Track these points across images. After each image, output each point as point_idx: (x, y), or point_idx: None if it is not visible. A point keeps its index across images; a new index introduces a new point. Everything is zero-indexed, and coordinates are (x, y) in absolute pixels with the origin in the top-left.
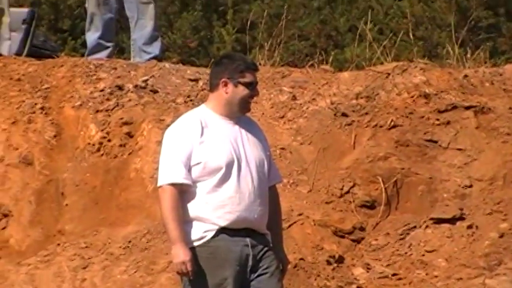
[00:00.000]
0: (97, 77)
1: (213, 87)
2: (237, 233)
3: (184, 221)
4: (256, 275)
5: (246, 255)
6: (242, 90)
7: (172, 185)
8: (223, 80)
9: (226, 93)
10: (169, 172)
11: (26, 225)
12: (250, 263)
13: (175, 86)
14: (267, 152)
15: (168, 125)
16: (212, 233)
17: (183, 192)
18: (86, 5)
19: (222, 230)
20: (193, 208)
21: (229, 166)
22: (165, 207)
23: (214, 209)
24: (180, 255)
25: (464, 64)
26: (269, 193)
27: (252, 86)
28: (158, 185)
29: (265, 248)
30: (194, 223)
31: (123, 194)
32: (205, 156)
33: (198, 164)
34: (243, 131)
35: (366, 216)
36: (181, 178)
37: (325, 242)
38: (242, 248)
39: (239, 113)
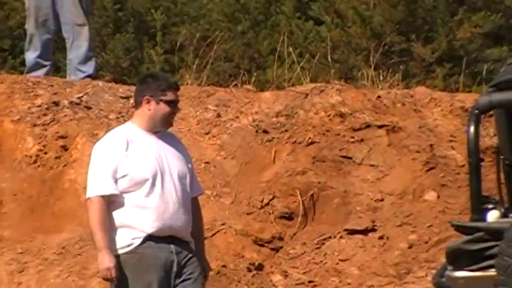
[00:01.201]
0: (35, 93)
1: (137, 104)
2: (162, 240)
3: (112, 229)
4: (180, 280)
5: (170, 262)
6: (164, 108)
7: (101, 196)
8: (146, 97)
9: (149, 110)
10: (98, 184)
11: None
12: (174, 268)
13: (108, 103)
14: (189, 165)
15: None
16: (140, 240)
17: (111, 203)
18: (26, 27)
19: (148, 238)
20: (121, 217)
21: (153, 178)
22: (92, 217)
23: (141, 218)
24: (105, 262)
25: (377, 86)
26: (192, 204)
27: (173, 103)
28: (87, 196)
29: (189, 255)
30: (122, 230)
31: (58, 203)
32: (130, 169)
33: (124, 176)
34: (166, 145)
35: (284, 227)
36: (108, 190)
37: (246, 250)
38: (167, 254)
39: (162, 128)
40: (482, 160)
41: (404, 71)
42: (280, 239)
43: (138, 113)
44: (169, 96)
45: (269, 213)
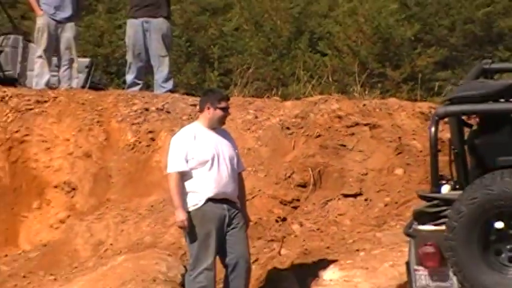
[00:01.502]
0: (132, 102)
1: (201, 109)
2: (218, 201)
3: (184, 194)
4: (230, 228)
5: (224, 216)
6: (219, 112)
7: (177, 172)
8: (207, 105)
9: (209, 114)
10: (174, 163)
11: (87, 195)
12: (227, 220)
13: (182, 109)
14: (236, 151)
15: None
16: (203, 202)
17: (183, 176)
18: (126, 57)
19: (208, 199)
20: (191, 185)
21: (212, 159)
22: (172, 186)
23: (204, 186)
24: (180, 216)
25: (363, 97)
26: (238, 177)
27: (225, 109)
28: (167, 171)
29: (236, 211)
30: (191, 195)
31: (148, 176)
32: (196, 153)
33: (193, 158)
34: (220, 137)
35: (300, 192)
36: (182, 167)
37: (275, 208)
38: (222, 211)
39: (217, 126)
40: (439, 151)
41: (381, 88)
42: (298, 200)
43: (201, 115)
44: (223, 104)
45: (290, 183)
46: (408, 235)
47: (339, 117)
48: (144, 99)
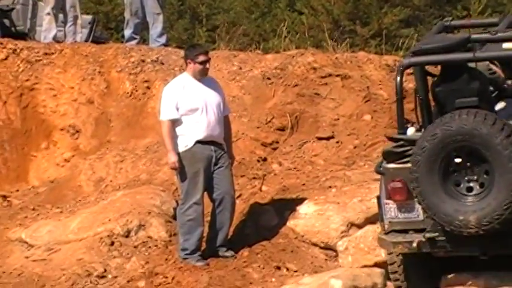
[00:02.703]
0: (130, 54)
1: (186, 63)
2: (206, 143)
3: (176, 137)
4: (217, 167)
5: (211, 156)
6: (199, 66)
7: (168, 119)
8: (188, 60)
9: (191, 68)
10: (166, 112)
11: (89, 137)
12: (213, 160)
13: (174, 61)
14: (222, 96)
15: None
16: (192, 143)
17: (175, 122)
18: (125, 14)
19: (197, 142)
20: (181, 130)
21: (201, 105)
22: (164, 132)
23: (193, 129)
24: (172, 158)
25: (335, 51)
26: (224, 120)
27: (204, 62)
28: (160, 118)
29: (222, 152)
30: (181, 137)
31: (144, 121)
32: (186, 102)
33: (182, 106)
34: (206, 87)
35: (279, 135)
36: (174, 115)
37: (257, 149)
38: (209, 151)
39: (201, 77)
40: (404, 98)
41: (352, 43)
42: (277, 142)
43: (187, 68)
44: (201, 58)
45: (270, 127)
46: (378, 173)
47: (314, 68)
48: (140, 52)
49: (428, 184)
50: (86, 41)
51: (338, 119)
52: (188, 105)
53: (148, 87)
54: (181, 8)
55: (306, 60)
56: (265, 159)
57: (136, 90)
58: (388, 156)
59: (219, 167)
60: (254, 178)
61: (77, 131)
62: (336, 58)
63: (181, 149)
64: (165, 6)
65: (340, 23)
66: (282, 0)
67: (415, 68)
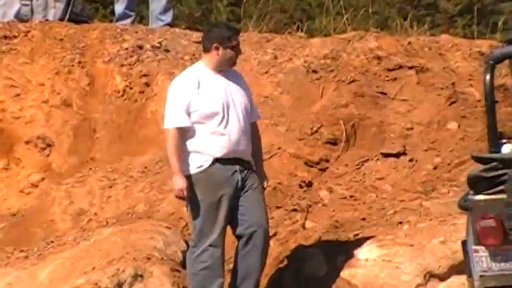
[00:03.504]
0: (123, 38)
1: (206, 49)
2: (228, 161)
3: (185, 154)
4: (244, 191)
5: (235, 179)
6: (230, 52)
7: (176, 128)
8: (215, 45)
9: (218, 55)
10: (174, 118)
11: (65, 154)
12: (239, 184)
13: (183, 47)
14: (249, 97)
15: None
16: (209, 162)
17: (185, 132)
18: None
19: (216, 160)
20: (194, 144)
21: (222, 111)
22: (169, 145)
23: (210, 144)
24: (179, 183)
25: (408, 33)
26: (251, 128)
27: (236, 48)
28: (165, 127)
29: (250, 171)
30: (194, 155)
31: (141, 130)
32: (201, 105)
33: (196, 111)
34: (230, 82)
35: (330, 151)
36: (183, 123)
37: (298, 170)
38: (232, 173)
39: (227, 67)
40: (497, 102)
41: (431, 22)
42: (327, 160)
43: (207, 56)
44: (234, 42)
45: (317, 139)
46: (462, 208)
47: (378, 58)
48: (136, 35)
49: None
50: (62, 19)
51: (412, 129)
52: (205, 108)
53: (147, 84)
54: None
55: (366, 46)
56: (310, 184)
57: (131, 88)
58: (476, 183)
59: (246, 191)
60: (295, 210)
61: (49, 145)
62: (409, 43)
63: (193, 169)
64: None
65: None
66: None
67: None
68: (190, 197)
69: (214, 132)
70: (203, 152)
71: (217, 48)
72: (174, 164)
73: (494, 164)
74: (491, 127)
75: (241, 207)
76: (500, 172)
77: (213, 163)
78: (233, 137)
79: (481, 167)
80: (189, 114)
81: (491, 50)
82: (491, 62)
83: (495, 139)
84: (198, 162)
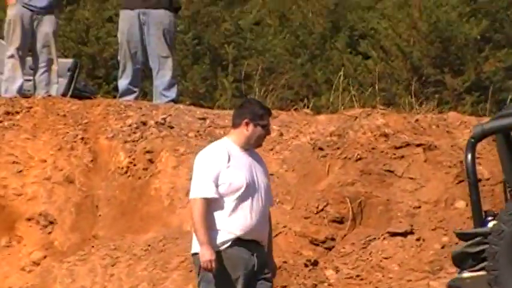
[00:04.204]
0: (126, 114)
1: (235, 124)
2: (246, 243)
3: (210, 229)
4: (259, 277)
5: (252, 263)
6: (260, 130)
7: (204, 198)
8: (245, 120)
9: (247, 131)
10: (202, 188)
11: (67, 231)
12: (255, 269)
13: (188, 123)
14: (268, 181)
15: (182, 154)
16: (229, 243)
17: (210, 203)
18: (119, 58)
19: (236, 241)
20: (215, 219)
21: (247, 187)
22: (196, 215)
23: (232, 221)
24: (207, 255)
25: (416, 111)
26: None
27: (267, 127)
28: (191, 197)
29: (265, 257)
30: (214, 232)
31: (145, 207)
32: (231, 178)
33: (224, 183)
34: (254, 161)
35: (336, 229)
36: (211, 193)
37: (304, 249)
38: (249, 257)
39: (253, 146)
40: (480, 180)
41: (439, 99)
42: (333, 239)
43: (236, 132)
44: (265, 121)
45: (323, 217)
46: None
47: (386, 135)
48: (140, 111)
49: None
50: (65, 95)
51: (419, 207)
52: (234, 182)
53: (151, 161)
54: (197, 48)
55: (373, 123)
56: (315, 263)
57: (135, 165)
58: (461, 260)
59: (261, 279)
60: None
61: (51, 222)
62: (417, 121)
63: (215, 247)
64: (176, 46)
65: (422, 71)
66: (340, 38)
67: (498, 137)
68: (204, 276)
69: (238, 209)
70: (224, 229)
71: (247, 124)
72: (202, 236)
73: (478, 239)
74: (476, 204)
75: None
76: (484, 247)
77: (232, 244)
78: (255, 218)
79: (465, 243)
80: (217, 186)
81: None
82: (472, 140)
83: (480, 216)
84: (217, 241)
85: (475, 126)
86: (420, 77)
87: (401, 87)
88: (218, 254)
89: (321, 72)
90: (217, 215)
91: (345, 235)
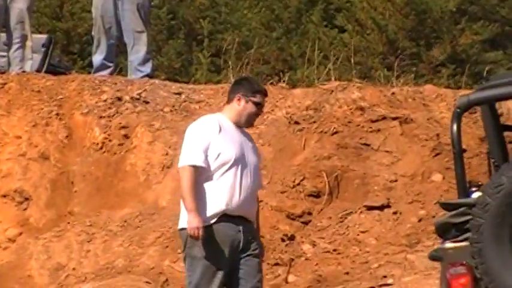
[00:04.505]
0: (101, 90)
1: (229, 100)
2: (233, 219)
3: (198, 200)
4: (245, 254)
5: (238, 240)
6: (251, 107)
7: (192, 166)
8: (238, 95)
9: (239, 105)
10: (191, 156)
11: (43, 207)
12: (240, 246)
13: (163, 98)
14: (259, 164)
15: (157, 129)
16: (215, 219)
17: (199, 174)
18: (93, 33)
19: (222, 216)
20: (205, 191)
21: (237, 161)
22: (185, 183)
23: (220, 196)
24: (194, 222)
25: (392, 84)
26: None
27: (259, 105)
28: (180, 165)
29: (252, 235)
30: (201, 205)
31: (121, 183)
32: (220, 149)
33: (213, 154)
34: (246, 139)
35: (312, 204)
36: (200, 161)
37: (280, 223)
38: (235, 233)
39: (244, 125)
40: (464, 151)
41: (415, 72)
42: (309, 214)
43: (228, 107)
44: (258, 98)
45: (300, 191)
46: (434, 258)
47: (362, 109)
48: (115, 86)
49: (497, 256)
50: (39, 70)
51: (396, 181)
52: (224, 154)
53: (126, 136)
54: (172, 23)
55: (349, 96)
56: (292, 238)
57: (110, 141)
58: (444, 231)
59: (247, 255)
60: (277, 264)
61: (26, 199)
62: (393, 94)
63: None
64: (150, 21)
65: (397, 44)
66: (315, 12)
67: (483, 109)
68: (190, 251)
69: (226, 182)
70: (212, 202)
71: (239, 99)
72: (190, 203)
73: (462, 209)
74: (460, 175)
75: (241, 270)
76: (468, 218)
77: (218, 220)
78: (243, 194)
79: (448, 213)
80: (206, 157)
81: (458, 98)
82: (458, 110)
83: (464, 187)
84: (204, 215)
85: (460, 97)
86: (396, 50)
87: (377, 60)
88: (204, 229)
89: (296, 46)
90: (205, 187)
91: (321, 209)
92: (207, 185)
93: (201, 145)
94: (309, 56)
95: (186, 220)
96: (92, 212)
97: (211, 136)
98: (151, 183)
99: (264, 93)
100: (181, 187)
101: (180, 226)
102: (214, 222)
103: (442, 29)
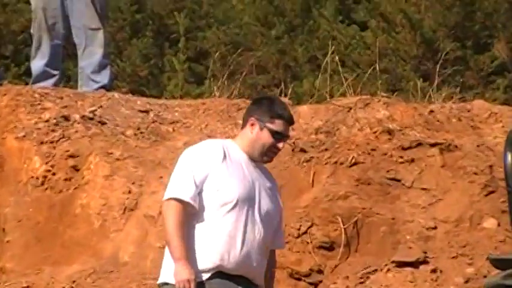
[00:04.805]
0: (42, 106)
1: (243, 123)
2: (231, 278)
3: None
4: None
5: None
6: (267, 137)
7: (179, 201)
8: (252, 118)
9: (251, 133)
10: (179, 188)
11: None
12: None
13: (125, 118)
14: (279, 215)
15: (117, 159)
16: (208, 275)
17: (189, 216)
18: (31, 31)
19: (217, 274)
20: (196, 236)
21: (242, 202)
22: (170, 222)
23: (215, 246)
24: (184, 274)
25: (430, 99)
26: (270, 254)
27: (278, 136)
28: (164, 198)
29: None
30: (193, 255)
31: (68, 230)
32: (220, 184)
33: (210, 189)
34: (263, 178)
35: (324, 258)
36: (188, 197)
37: (281, 285)
38: None
39: (258, 159)
40: None
41: (461, 83)
42: (320, 272)
43: (241, 133)
44: (277, 126)
45: (307, 242)
46: None
47: (389, 132)
48: (61, 102)
49: None
50: None
51: (435, 228)
52: (224, 191)
53: (75, 168)
54: (137, 17)
55: (373, 116)
56: None
57: (54, 174)
58: None
59: None
60: None
61: None
62: (431, 112)
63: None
64: (109, 15)
65: (437, 46)
66: (328, 3)
67: None
68: None
69: (224, 231)
70: (203, 254)
71: (252, 125)
72: (176, 248)
73: None
74: None
75: None
76: None
77: (211, 277)
78: (245, 248)
79: (502, 272)
80: (199, 193)
81: None
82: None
83: None
84: (194, 268)
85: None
86: (434, 54)
87: (410, 67)
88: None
89: (302, 48)
90: (197, 232)
91: (335, 266)
92: (199, 230)
93: (195, 177)
94: (319, 61)
95: (171, 272)
96: (30, 270)
97: (211, 166)
98: (108, 231)
99: (288, 120)
100: (166, 228)
101: (160, 280)
102: (208, 278)
103: (497, 25)
